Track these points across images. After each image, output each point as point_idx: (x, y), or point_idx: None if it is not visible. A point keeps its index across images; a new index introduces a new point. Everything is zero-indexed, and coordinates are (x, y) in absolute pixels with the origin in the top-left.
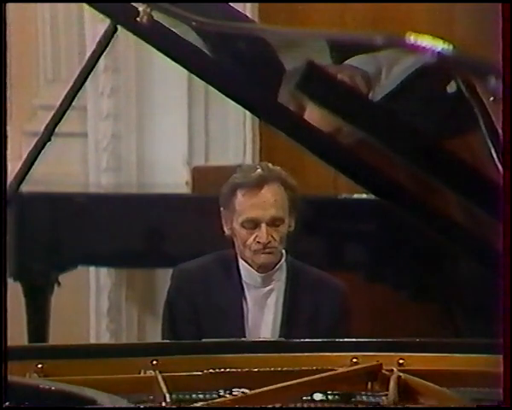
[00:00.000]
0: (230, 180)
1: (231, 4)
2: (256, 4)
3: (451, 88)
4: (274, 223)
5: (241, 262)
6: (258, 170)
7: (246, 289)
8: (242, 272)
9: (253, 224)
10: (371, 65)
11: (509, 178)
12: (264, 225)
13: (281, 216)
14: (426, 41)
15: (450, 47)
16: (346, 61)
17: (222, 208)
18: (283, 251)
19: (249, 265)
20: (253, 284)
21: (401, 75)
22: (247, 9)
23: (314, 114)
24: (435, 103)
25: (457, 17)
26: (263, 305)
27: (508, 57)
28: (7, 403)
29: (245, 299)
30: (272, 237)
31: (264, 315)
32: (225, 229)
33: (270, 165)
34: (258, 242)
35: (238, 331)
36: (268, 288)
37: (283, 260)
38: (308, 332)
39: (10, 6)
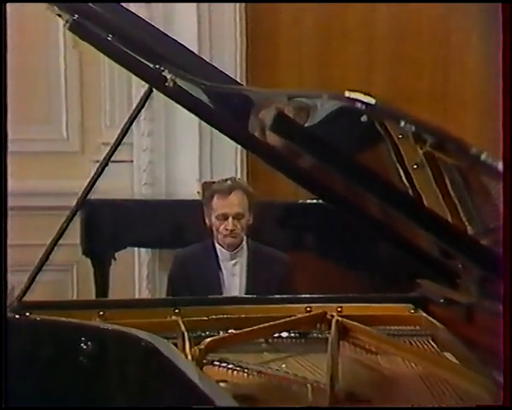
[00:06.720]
0: (210, 188)
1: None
2: (244, 68)
3: (364, 118)
4: (237, 217)
5: (217, 246)
6: (228, 182)
7: (221, 264)
8: (218, 252)
9: (224, 217)
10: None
11: (509, 178)
12: (230, 218)
13: (242, 212)
14: (357, 96)
15: (373, 100)
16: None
17: (204, 207)
18: (244, 236)
19: (221, 246)
20: (225, 259)
21: (331, 107)
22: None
23: (272, 139)
24: (352, 129)
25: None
26: (233, 273)
27: (508, 57)
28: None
29: (221, 270)
30: (236, 226)
31: (234, 280)
32: (206, 221)
33: (237, 178)
34: (227, 229)
35: (218, 292)
36: (234, 261)
37: (244, 242)
38: (264, 291)
39: (84, 73)
